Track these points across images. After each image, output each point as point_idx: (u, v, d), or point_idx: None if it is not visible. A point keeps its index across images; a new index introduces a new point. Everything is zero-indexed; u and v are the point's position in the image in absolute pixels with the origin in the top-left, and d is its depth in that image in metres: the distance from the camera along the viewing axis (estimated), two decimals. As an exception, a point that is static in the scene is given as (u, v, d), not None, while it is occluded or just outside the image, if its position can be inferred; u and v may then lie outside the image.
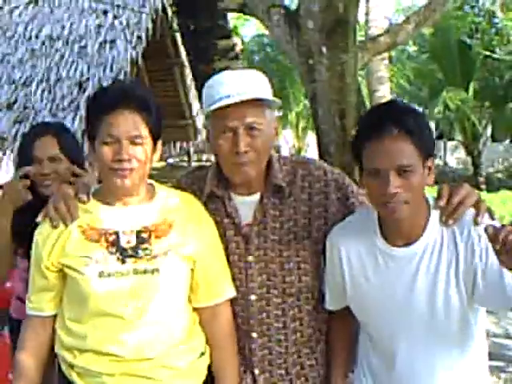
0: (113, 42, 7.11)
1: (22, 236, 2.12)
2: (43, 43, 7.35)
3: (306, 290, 1.92)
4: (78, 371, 1.79)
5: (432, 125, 20.93)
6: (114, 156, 1.70)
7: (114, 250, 1.75)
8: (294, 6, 5.36)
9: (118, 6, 7.28)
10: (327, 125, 4.73)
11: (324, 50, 4.64)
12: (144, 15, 7.07)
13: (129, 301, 1.73)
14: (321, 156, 4.86)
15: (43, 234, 1.81)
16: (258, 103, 1.77)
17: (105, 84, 6.49)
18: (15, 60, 7.18)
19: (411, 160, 1.58)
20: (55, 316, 1.86)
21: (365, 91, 14.27)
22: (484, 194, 15.37)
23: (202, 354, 1.88)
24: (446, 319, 1.67)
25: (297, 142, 22.00)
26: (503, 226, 1.41)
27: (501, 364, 4.36)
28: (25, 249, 2.18)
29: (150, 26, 7.15)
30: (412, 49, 21.03)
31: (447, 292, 1.65)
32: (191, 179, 2.02)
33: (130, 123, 1.71)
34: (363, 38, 10.15)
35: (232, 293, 1.89)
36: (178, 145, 11.75)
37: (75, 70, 6.88)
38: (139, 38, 7.02)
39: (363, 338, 1.90)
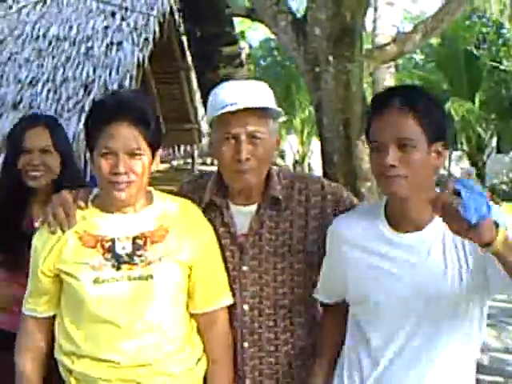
0: (120, 43, 7.10)
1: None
2: (50, 43, 7.36)
3: (299, 302, 1.93)
4: (76, 376, 1.80)
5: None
6: (112, 169, 1.71)
7: (109, 256, 1.76)
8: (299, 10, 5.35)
9: (126, 8, 7.29)
10: (331, 133, 4.72)
11: (330, 58, 4.64)
12: (152, 18, 7.07)
13: (123, 307, 1.74)
14: (324, 164, 4.85)
15: (41, 239, 1.82)
16: (261, 113, 1.80)
17: (110, 86, 6.51)
18: (22, 59, 7.18)
19: (413, 135, 1.59)
20: (52, 318, 1.87)
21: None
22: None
23: (199, 360, 1.88)
24: (449, 307, 1.63)
25: (301, 147, 22.03)
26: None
27: (500, 380, 4.32)
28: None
29: (158, 29, 7.16)
30: (419, 57, 21.05)
31: (455, 279, 1.62)
32: (193, 187, 2.05)
33: (127, 136, 1.71)
34: (370, 46, 10.13)
35: (229, 300, 1.90)
36: (182, 148, 11.79)
37: (81, 71, 6.87)
38: (146, 40, 7.02)
39: (352, 335, 1.84)
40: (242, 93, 1.80)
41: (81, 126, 6.04)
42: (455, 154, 21.34)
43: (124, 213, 1.81)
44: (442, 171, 21.17)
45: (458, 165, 21.44)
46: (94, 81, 6.70)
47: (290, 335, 1.94)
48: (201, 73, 4.15)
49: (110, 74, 6.74)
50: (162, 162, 13.30)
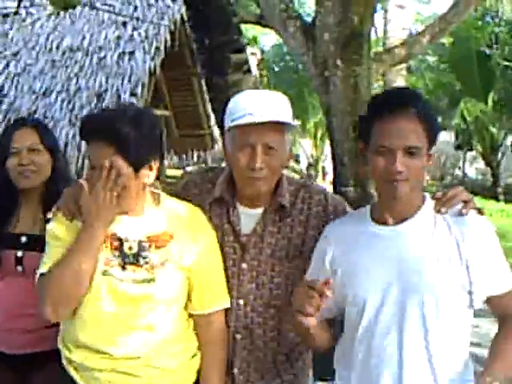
0: (131, 53, 7.22)
1: None
2: (63, 54, 7.49)
3: (290, 304, 1.95)
4: (75, 366, 1.88)
5: (451, 135, 20.83)
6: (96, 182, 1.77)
7: (117, 253, 1.83)
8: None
9: (137, 19, 7.39)
10: (341, 136, 4.76)
11: (339, 62, 4.69)
12: (162, 27, 7.18)
13: (125, 305, 1.82)
14: (335, 166, 4.91)
15: (60, 221, 1.87)
16: (278, 125, 1.86)
17: (123, 95, 6.62)
18: (36, 70, 7.32)
19: (420, 143, 1.64)
20: None
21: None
22: (502, 205, 15.29)
23: (194, 355, 1.96)
24: (435, 301, 1.66)
25: (315, 151, 22.01)
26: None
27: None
28: None
29: (169, 37, 7.25)
30: (432, 59, 20.96)
31: (437, 269, 1.67)
32: (200, 178, 2.12)
33: (102, 155, 1.76)
34: (381, 49, 10.16)
35: (226, 303, 1.98)
36: (195, 154, 11.87)
37: (94, 80, 7.00)
38: (157, 49, 7.13)
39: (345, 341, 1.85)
40: (262, 104, 1.85)
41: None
42: (469, 154, 21.22)
43: (131, 216, 1.87)
44: (457, 172, 21.08)
45: (472, 165, 21.34)
46: (106, 90, 6.82)
47: (277, 333, 2.02)
48: (209, 79, 4.20)
49: (123, 82, 6.85)
50: (175, 167, 13.41)
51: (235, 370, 2.03)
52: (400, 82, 11.36)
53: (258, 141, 1.84)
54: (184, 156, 11.94)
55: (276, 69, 20.62)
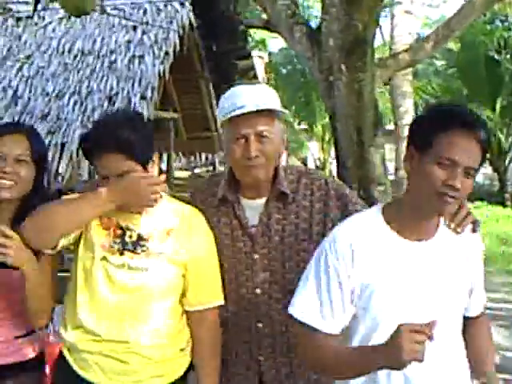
0: (141, 57, 7.35)
1: None
2: (75, 57, 7.62)
3: None
4: (68, 347, 2.01)
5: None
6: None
7: (118, 241, 1.97)
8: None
9: (147, 23, 7.53)
10: (345, 139, 4.87)
11: (343, 68, 4.80)
12: (171, 32, 7.32)
13: (118, 290, 1.95)
14: (339, 169, 5.02)
15: None
16: (268, 113, 1.98)
17: (133, 98, 6.76)
18: (49, 73, 7.46)
19: (477, 166, 1.65)
20: None
21: (388, 106, 14.32)
22: (509, 210, 15.29)
23: (182, 349, 2.06)
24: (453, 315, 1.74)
25: (322, 154, 22.05)
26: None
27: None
28: None
29: (178, 42, 7.39)
30: (440, 63, 20.94)
31: (456, 287, 1.74)
32: (207, 184, 2.24)
33: (114, 165, 1.92)
34: (388, 55, 10.25)
35: (220, 301, 2.08)
36: (203, 156, 12.00)
37: (105, 83, 7.13)
38: (166, 53, 7.26)
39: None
40: (249, 96, 1.98)
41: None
42: (476, 159, 21.13)
43: (136, 212, 2.00)
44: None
45: (480, 170, 21.28)
46: (117, 93, 6.96)
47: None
48: (217, 85, 4.33)
49: (133, 85, 6.98)
50: (184, 169, 13.52)
51: (261, 358, 2.11)
52: (406, 87, 11.47)
53: (250, 130, 1.96)
54: (192, 158, 12.07)
55: (284, 72, 20.70)
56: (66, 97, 7.04)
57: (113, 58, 7.48)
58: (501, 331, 5.47)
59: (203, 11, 4.37)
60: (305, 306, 1.73)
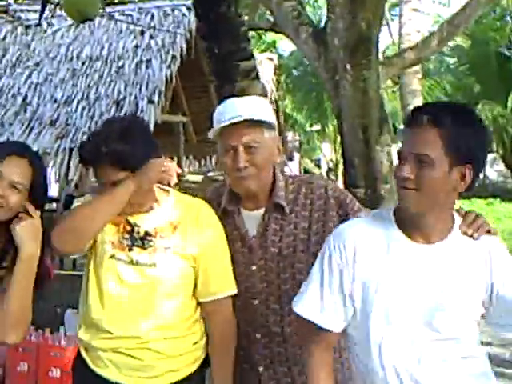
0: (149, 61, 7.37)
1: None
2: (83, 63, 7.66)
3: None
4: (85, 346, 2.04)
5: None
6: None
7: (127, 236, 2.01)
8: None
9: (154, 28, 7.56)
10: (351, 138, 4.88)
11: (348, 66, 4.80)
12: (178, 36, 7.34)
13: (128, 287, 1.98)
14: (346, 167, 5.02)
15: None
16: (255, 124, 2.01)
17: (141, 102, 6.78)
18: (57, 79, 7.51)
19: (432, 153, 1.58)
20: None
21: (398, 104, 14.24)
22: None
23: (195, 343, 2.07)
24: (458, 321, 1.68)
25: (334, 155, 22.01)
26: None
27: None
28: None
29: (185, 46, 7.41)
30: (451, 60, 20.85)
31: (466, 291, 1.69)
32: (214, 194, 2.26)
33: (110, 175, 1.98)
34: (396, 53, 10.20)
35: (233, 291, 2.08)
36: (213, 159, 12.00)
37: (113, 88, 7.16)
38: (174, 57, 7.28)
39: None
40: (238, 108, 2.02)
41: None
42: (489, 156, 21.06)
43: (143, 210, 2.05)
44: (478, 174, 20.91)
45: (492, 167, 21.18)
46: (125, 97, 6.98)
47: (295, 328, 2.09)
48: (219, 86, 4.37)
49: (140, 90, 7.00)
50: (196, 173, 13.54)
51: (260, 368, 2.12)
52: (415, 85, 11.42)
53: (238, 142, 1.99)
54: (203, 161, 12.08)
55: (295, 73, 20.69)
56: (75, 102, 7.08)
57: (120, 63, 7.50)
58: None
59: (205, 13, 4.39)
60: (307, 302, 1.76)
